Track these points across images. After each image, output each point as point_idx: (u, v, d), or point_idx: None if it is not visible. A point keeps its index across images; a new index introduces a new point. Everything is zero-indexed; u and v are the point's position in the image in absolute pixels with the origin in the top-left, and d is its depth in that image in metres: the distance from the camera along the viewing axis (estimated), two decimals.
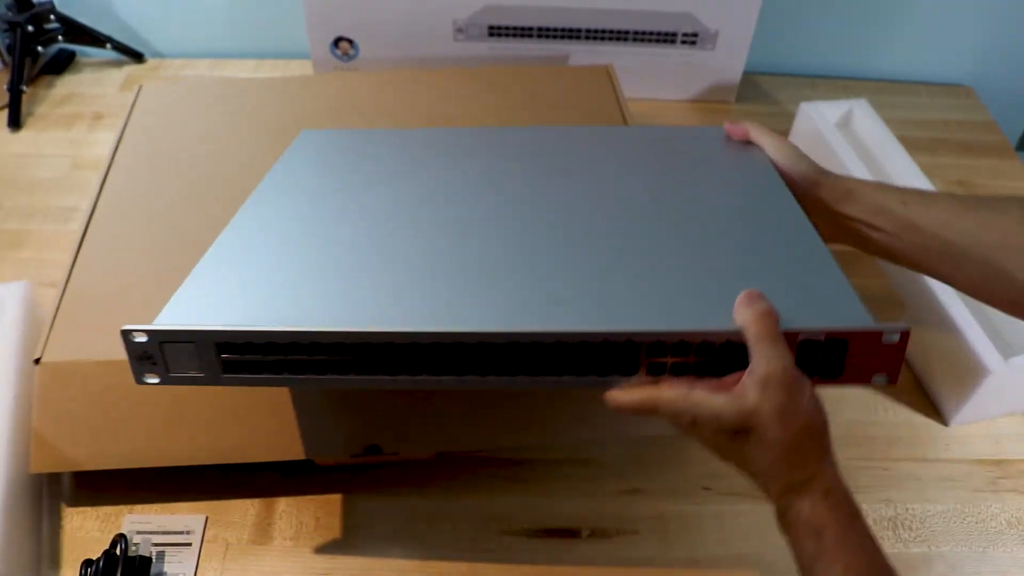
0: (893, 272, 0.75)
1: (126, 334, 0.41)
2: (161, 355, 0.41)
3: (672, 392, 0.40)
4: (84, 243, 0.63)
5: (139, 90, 0.78)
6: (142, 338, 0.41)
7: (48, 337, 0.56)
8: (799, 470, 0.40)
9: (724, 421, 0.39)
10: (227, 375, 0.42)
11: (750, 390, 0.39)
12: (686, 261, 0.46)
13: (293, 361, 0.41)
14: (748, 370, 0.39)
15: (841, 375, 0.41)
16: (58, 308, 0.58)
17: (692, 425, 0.41)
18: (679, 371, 0.41)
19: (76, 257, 0.62)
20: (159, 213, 0.66)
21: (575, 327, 0.40)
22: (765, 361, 0.39)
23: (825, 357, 0.40)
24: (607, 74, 0.81)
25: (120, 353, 0.56)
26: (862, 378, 0.41)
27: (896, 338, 0.39)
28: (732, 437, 0.40)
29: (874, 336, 0.40)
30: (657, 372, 0.41)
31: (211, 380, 0.42)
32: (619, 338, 0.40)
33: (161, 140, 0.74)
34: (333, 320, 0.41)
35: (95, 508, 0.59)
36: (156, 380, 0.42)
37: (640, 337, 0.40)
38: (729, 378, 0.41)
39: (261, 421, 0.57)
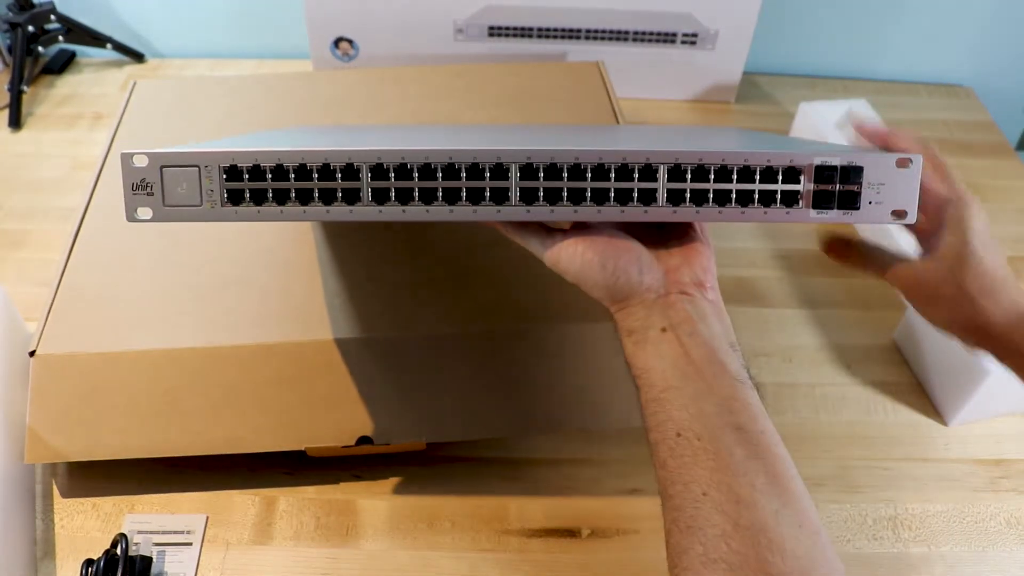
0: None
1: (126, 158, 0.39)
2: (160, 183, 0.39)
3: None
4: (78, 238, 0.63)
5: (133, 86, 0.78)
6: (142, 162, 0.39)
7: (43, 330, 0.57)
8: None
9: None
10: (228, 205, 0.40)
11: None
12: None
13: (301, 189, 0.40)
14: None
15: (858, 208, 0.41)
16: (53, 302, 0.59)
17: None
18: (698, 200, 0.41)
19: (71, 252, 0.62)
20: None
21: (585, 147, 0.40)
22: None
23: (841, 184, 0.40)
24: (598, 70, 0.82)
25: (113, 345, 0.57)
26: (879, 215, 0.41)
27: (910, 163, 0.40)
28: None
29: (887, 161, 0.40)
30: (677, 201, 0.41)
31: (210, 213, 0.40)
32: (639, 158, 0.40)
33: (155, 137, 0.74)
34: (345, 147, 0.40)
35: (96, 508, 0.59)
36: (149, 215, 0.40)
37: (658, 156, 0.40)
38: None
39: (254, 412, 0.57)
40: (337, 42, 0.97)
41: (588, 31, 0.95)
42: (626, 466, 0.63)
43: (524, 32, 0.95)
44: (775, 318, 0.76)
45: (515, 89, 0.80)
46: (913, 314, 0.71)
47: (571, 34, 0.95)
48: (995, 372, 0.61)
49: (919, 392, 0.70)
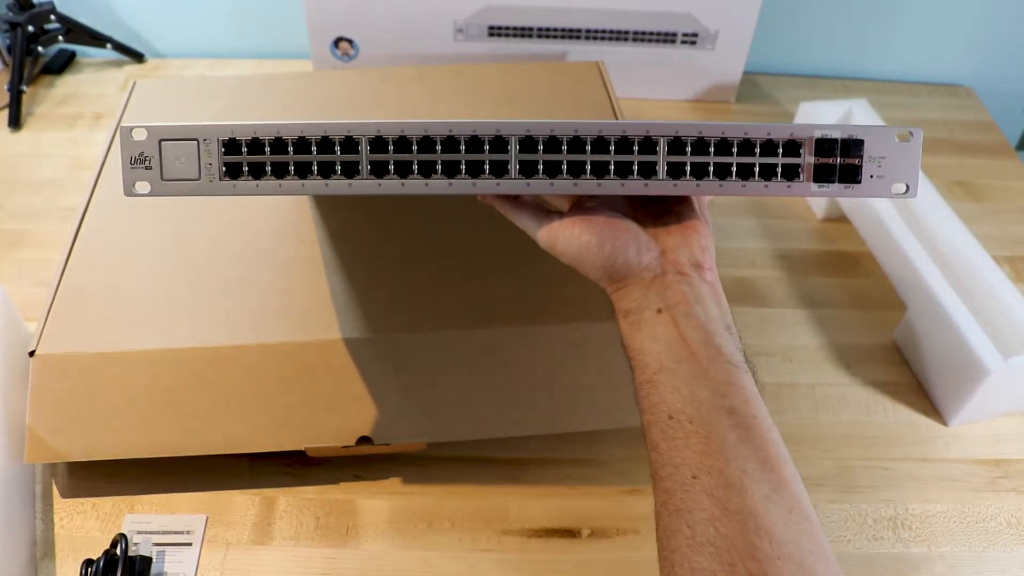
0: (893, 272, 0.75)
1: (125, 132, 0.39)
2: (158, 157, 0.39)
3: None
4: (78, 238, 0.63)
5: (133, 86, 0.78)
6: (141, 135, 0.39)
7: (43, 330, 0.57)
8: None
9: None
10: (227, 179, 0.40)
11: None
12: None
13: (299, 162, 0.40)
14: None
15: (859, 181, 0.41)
16: (52, 302, 0.59)
17: None
18: (699, 174, 0.41)
19: (70, 252, 0.62)
20: (152, 208, 0.66)
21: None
22: None
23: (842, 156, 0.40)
24: (598, 70, 0.82)
25: (113, 345, 0.56)
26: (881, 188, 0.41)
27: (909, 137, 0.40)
28: None
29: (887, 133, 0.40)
30: (677, 174, 0.41)
31: (208, 187, 0.40)
32: (638, 130, 0.40)
33: None
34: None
35: (95, 508, 0.59)
36: (147, 189, 0.40)
37: (658, 129, 0.40)
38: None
39: (254, 412, 0.57)
40: (337, 42, 0.97)
41: (588, 31, 0.95)
42: (626, 466, 0.63)
43: (524, 32, 0.95)
44: (775, 318, 0.76)
45: (515, 89, 0.80)
46: (913, 314, 0.71)
47: (571, 34, 0.95)
48: (995, 372, 0.61)
49: (919, 392, 0.70)
